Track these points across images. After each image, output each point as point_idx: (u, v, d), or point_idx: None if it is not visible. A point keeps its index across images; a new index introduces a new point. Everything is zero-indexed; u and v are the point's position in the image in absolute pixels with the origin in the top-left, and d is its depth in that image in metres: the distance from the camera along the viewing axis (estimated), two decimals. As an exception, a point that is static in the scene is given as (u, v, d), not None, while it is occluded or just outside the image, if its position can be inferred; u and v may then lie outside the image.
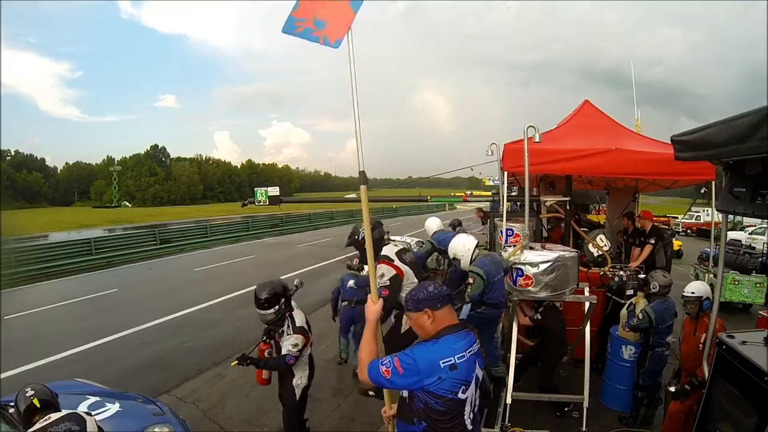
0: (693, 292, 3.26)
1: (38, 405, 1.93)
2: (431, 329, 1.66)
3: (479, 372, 1.68)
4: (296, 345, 2.94)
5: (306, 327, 3.06)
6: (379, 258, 3.11)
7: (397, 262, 3.17)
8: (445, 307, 1.67)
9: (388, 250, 3.21)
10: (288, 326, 3.02)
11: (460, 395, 1.57)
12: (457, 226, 6.61)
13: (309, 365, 3.21)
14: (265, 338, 3.16)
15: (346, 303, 5.02)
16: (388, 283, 3.03)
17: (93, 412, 2.71)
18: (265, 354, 3.18)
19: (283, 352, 2.97)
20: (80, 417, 1.78)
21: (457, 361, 1.55)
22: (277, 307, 2.97)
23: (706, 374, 2.59)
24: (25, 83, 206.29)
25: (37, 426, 1.74)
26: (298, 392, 3.12)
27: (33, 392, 1.98)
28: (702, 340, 3.12)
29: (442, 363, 1.54)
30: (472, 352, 1.63)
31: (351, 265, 5.18)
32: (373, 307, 1.91)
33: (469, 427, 1.64)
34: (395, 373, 1.55)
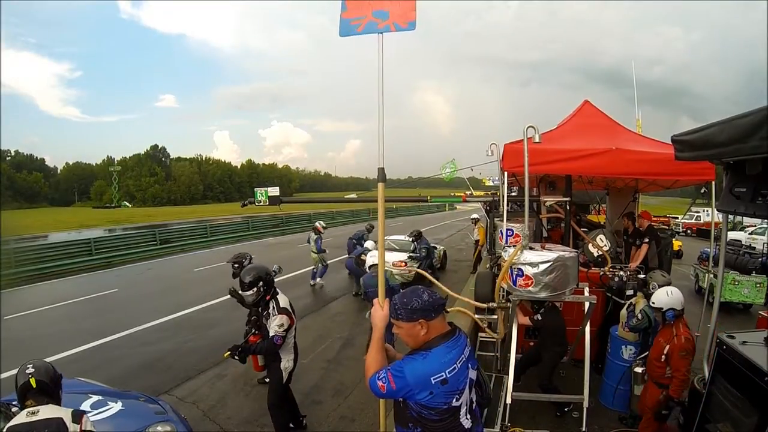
0: (653, 303, 3.19)
1: (34, 386, 1.81)
2: (423, 339, 1.60)
3: (473, 374, 1.67)
4: (281, 325, 3.12)
5: (289, 308, 3.25)
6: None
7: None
8: (439, 315, 1.61)
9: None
10: (273, 308, 3.21)
11: (454, 403, 1.57)
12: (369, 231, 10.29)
13: (294, 349, 3.38)
14: (254, 330, 3.36)
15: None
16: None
17: (95, 411, 2.71)
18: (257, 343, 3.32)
19: (271, 333, 3.12)
20: (63, 425, 1.71)
21: (449, 375, 1.53)
22: (255, 288, 3.15)
23: (707, 374, 2.59)
24: (25, 83, 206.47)
25: (21, 420, 1.69)
26: (285, 375, 3.30)
27: (33, 370, 1.84)
28: (665, 351, 3.02)
29: (434, 379, 1.51)
30: (463, 359, 1.60)
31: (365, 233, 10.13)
32: (380, 312, 1.83)
33: (467, 425, 1.63)
34: (389, 388, 1.56)
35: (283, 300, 3.26)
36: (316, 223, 9.71)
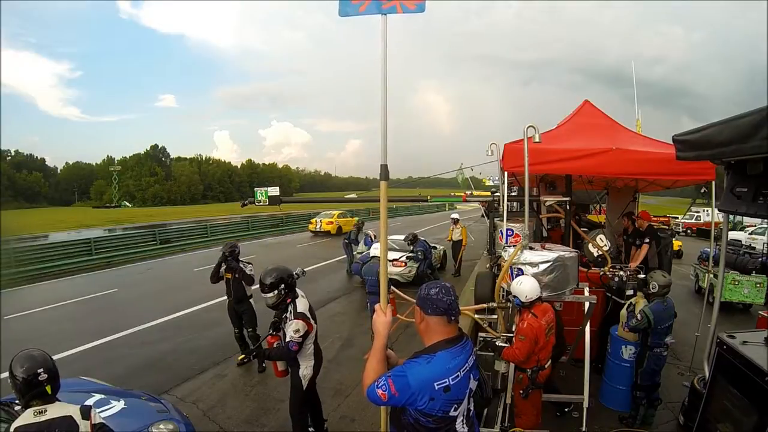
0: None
1: (49, 392, 1.72)
2: (422, 329, 1.61)
3: (473, 384, 1.63)
4: (297, 331, 2.98)
5: (307, 314, 3.09)
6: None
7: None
8: (437, 316, 1.56)
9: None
10: (290, 312, 3.08)
11: (452, 413, 1.53)
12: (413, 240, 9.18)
13: (315, 356, 3.24)
14: (272, 331, 3.18)
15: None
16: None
17: (98, 410, 2.71)
18: (274, 346, 3.19)
19: (287, 339, 3.01)
20: (74, 423, 1.67)
21: (452, 383, 1.49)
22: (276, 291, 3.04)
23: (707, 374, 2.59)
24: (25, 83, 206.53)
25: (28, 420, 1.64)
26: (304, 383, 3.17)
27: (46, 377, 1.72)
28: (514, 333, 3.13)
29: (437, 385, 1.47)
30: (467, 368, 1.57)
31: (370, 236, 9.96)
32: (382, 318, 1.74)
33: (464, 431, 1.60)
34: (390, 394, 1.51)
35: (301, 304, 3.09)
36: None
